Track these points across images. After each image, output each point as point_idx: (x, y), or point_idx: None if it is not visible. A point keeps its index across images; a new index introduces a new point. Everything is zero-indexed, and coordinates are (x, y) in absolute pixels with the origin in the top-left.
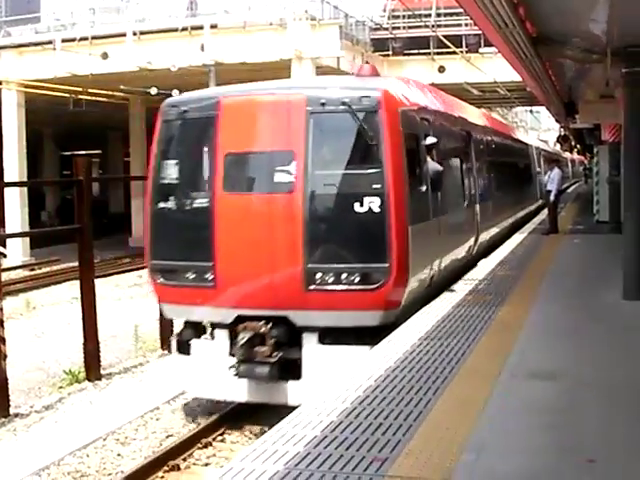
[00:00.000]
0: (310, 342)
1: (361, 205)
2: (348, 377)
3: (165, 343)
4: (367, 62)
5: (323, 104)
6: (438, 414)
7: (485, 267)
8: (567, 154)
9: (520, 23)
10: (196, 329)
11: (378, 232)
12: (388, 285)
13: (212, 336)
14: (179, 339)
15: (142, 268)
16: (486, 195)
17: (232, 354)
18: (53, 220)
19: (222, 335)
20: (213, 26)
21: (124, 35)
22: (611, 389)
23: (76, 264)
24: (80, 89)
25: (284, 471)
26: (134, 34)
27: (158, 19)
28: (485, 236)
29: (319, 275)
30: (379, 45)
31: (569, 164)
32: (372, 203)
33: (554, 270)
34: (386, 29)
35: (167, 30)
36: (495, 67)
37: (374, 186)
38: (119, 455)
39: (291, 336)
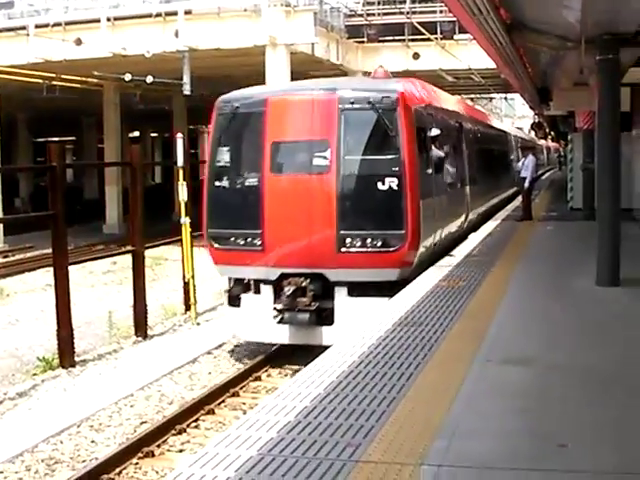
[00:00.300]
0: (341, 294)
1: (382, 184)
2: (322, 362)
3: (139, 329)
4: (381, 66)
5: (352, 102)
6: (412, 399)
7: (460, 252)
8: (542, 141)
9: (494, 10)
10: (243, 285)
11: (396, 206)
12: (404, 248)
13: (258, 291)
14: (230, 294)
15: (116, 254)
16: (474, 178)
17: (276, 306)
18: (27, 207)
19: (267, 290)
20: (187, 12)
21: (98, 21)
22: (583, 374)
23: (50, 251)
24: (54, 75)
25: (257, 457)
26: (108, 20)
27: (132, 5)
28: (474, 213)
29: (348, 240)
30: (354, 32)
31: (544, 151)
32: (391, 182)
33: (527, 257)
34: (361, 16)
35: (141, 16)
36: (470, 54)
37: (393, 169)
38: (93, 442)
39: (325, 289)
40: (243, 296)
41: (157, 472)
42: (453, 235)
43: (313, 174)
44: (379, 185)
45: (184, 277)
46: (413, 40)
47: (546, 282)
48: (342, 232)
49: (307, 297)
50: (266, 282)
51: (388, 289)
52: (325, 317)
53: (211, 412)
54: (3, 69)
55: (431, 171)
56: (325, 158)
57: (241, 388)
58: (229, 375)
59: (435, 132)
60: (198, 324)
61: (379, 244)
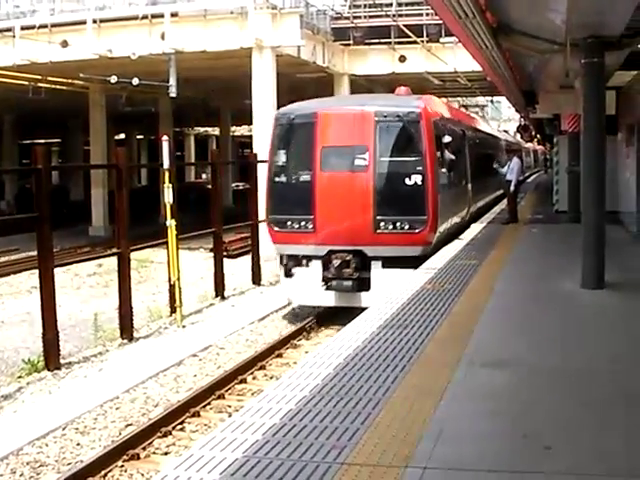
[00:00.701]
0: (376, 267)
1: (409, 180)
2: (307, 365)
3: (125, 332)
4: (403, 85)
5: (385, 116)
6: (397, 402)
7: (445, 255)
8: (529, 144)
9: (480, 13)
10: (295, 260)
11: (419, 197)
12: (425, 231)
13: (308, 265)
14: (285, 268)
15: (102, 257)
16: (474, 178)
17: (324, 276)
18: (12, 209)
19: (317, 264)
20: (174, 14)
21: (84, 23)
22: (567, 377)
23: (35, 253)
24: (39, 77)
25: (243, 459)
26: (94, 22)
27: (118, 7)
28: (474, 206)
29: (382, 224)
30: (340, 34)
31: (531, 154)
32: (416, 179)
33: (513, 259)
34: (347, 18)
35: (127, 18)
36: (456, 57)
37: (417, 168)
38: (78, 444)
39: (364, 263)
40: (297, 269)
41: (142, 475)
42: (459, 224)
43: (354, 172)
44: (406, 181)
45: (170, 280)
46: (399, 43)
47: (531, 285)
48: (377, 217)
49: (350, 269)
50: (316, 257)
51: (412, 262)
52: (364, 284)
53: (196, 414)
54: None
55: (445, 170)
56: (364, 159)
57: (226, 391)
58: (214, 377)
59: (447, 139)
60: (184, 327)
61: (406, 227)
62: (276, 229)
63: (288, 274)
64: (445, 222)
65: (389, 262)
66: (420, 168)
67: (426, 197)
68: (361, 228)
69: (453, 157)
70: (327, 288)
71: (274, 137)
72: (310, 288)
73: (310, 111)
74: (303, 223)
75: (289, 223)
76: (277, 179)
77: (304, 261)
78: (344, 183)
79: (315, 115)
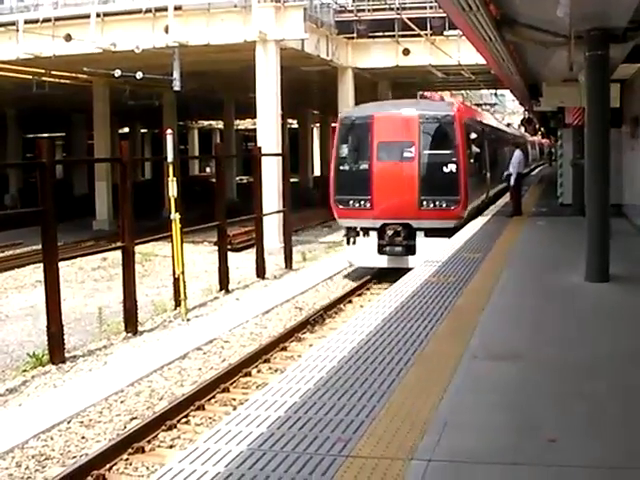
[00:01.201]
0: (420, 236)
1: (446, 168)
2: (312, 358)
3: (129, 325)
4: (437, 93)
5: (427, 118)
6: (401, 395)
7: (450, 247)
8: (536, 137)
9: (484, 5)
10: (354, 232)
11: (454, 181)
12: (458, 208)
13: (366, 235)
14: (347, 237)
15: (106, 251)
16: (491, 167)
17: (379, 244)
18: (16, 203)
19: (374, 234)
20: (177, 8)
21: (88, 17)
22: (571, 369)
23: (39, 247)
24: (43, 71)
25: (248, 452)
26: (98, 16)
27: (122, 1)
28: (492, 191)
29: (425, 202)
30: (344, 27)
31: (536, 147)
32: (451, 167)
33: (517, 252)
34: (351, 11)
35: (131, 12)
36: (460, 50)
37: (452, 159)
38: (83, 438)
39: (410, 233)
40: (358, 238)
41: (147, 468)
42: (480, 204)
43: (403, 162)
44: (443, 169)
45: (174, 273)
46: (403, 36)
47: (535, 278)
48: (421, 197)
49: (400, 237)
50: (373, 229)
51: (448, 233)
52: (410, 250)
53: (201, 408)
54: None
55: (472, 160)
56: (411, 152)
57: (231, 384)
58: (219, 371)
59: (473, 135)
60: (188, 320)
61: (444, 205)
62: (340, 207)
63: (349, 242)
64: (472, 202)
65: (430, 232)
66: (454, 159)
67: (459, 182)
68: (408, 206)
69: (477, 150)
70: (381, 253)
71: (339, 134)
72: (368, 253)
73: (368, 113)
74: (362, 202)
75: (351, 202)
76: (341, 167)
77: (362, 232)
78: (395, 171)
79: (372, 117)
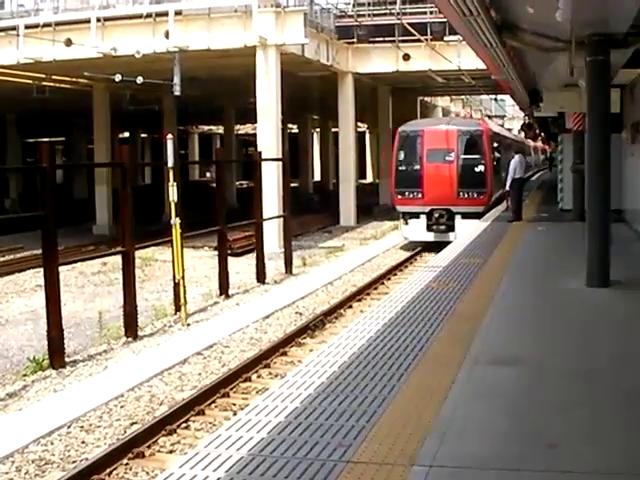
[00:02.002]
0: (458, 218)
1: (476, 168)
2: (312, 364)
3: (129, 330)
4: (467, 112)
5: (463, 132)
6: (402, 400)
7: (450, 252)
8: (539, 143)
9: (485, 11)
10: (409, 215)
11: (482, 179)
12: (485, 198)
13: (417, 218)
14: (403, 219)
15: (106, 255)
16: (506, 168)
17: (427, 224)
18: (16, 207)
19: (423, 217)
20: (177, 13)
21: (88, 22)
22: (571, 375)
23: (40, 251)
24: (43, 75)
25: (248, 457)
26: (98, 21)
27: (122, 6)
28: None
29: (461, 193)
30: (344, 33)
31: (538, 152)
32: (480, 168)
33: (518, 257)
34: (351, 17)
35: (131, 17)
36: (460, 55)
37: (481, 162)
38: (83, 442)
39: (450, 216)
40: (410, 220)
41: (147, 473)
42: (498, 196)
43: (446, 163)
44: (475, 169)
45: (174, 278)
46: (403, 41)
47: (536, 283)
48: (459, 189)
49: (443, 219)
50: (422, 213)
51: (478, 216)
52: (450, 228)
53: (201, 413)
54: None
55: (494, 164)
56: (451, 156)
57: (231, 389)
58: (219, 376)
59: (495, 145)
60: (188, 325)
61: (474, 195)
62: (399, 197)
63: (405, 223)
64: (494, 193)
65: (464, 215)
66: (482, 162)
67: (485, 179)
68: (449, 195)
69: (498, 155)
70: (429, 230)
71: (398, 144)
72: (419, 231)
73: (419, 128)
74: (415, 193)
75: (406, 193)
76: (400, 168)
77: (415, 216)
78: (440, 170)
79: (422, 131)
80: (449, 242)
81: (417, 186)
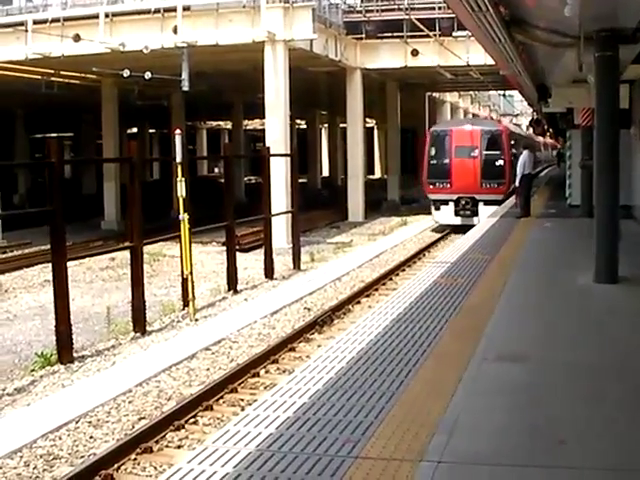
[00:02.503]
0: (481, 205)
1: (497, 163)
2: (320, 359)
3: (137, 325)
4: (489, 114)
5: (485, 131)
6: (410, 396)
7: (458, 248)
8: (549, 140)
9: (493, 6)
10: (440, 202)
11: (501, 171)
12: (504, 187)
13: (447, 204)
14: (434, 206)
15: (114, 251)
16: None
17: (455, 209)
18: (25, 203)
19: (452, 203)
20: (186, 8)
21: (96, 17)
22: (580, 371)
23: (48, 247)
24: (52, 71)
25: (256, 453)
26: (106, 16)
27: (130, 1)
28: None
29: (484, 183)
30: (352, 28)
31: (549, 148)
32: (500, 162)
33: (526, 253)
34: (359, 12)
35: (139, 12)
36: (468, 51)
37: (500, 157)
38: (91, 437)
39: (475, 203)
40: (441, 206)
41: (155, 468)
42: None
43: (471, 158)
44: (495, 163)
45: (182, 273)
46: (412, 37)
47: (544, 279)
48: (482, 180)
49: (469, 205)
50: (451, 200)
51: (498, 203)
52: (474, 214)
53: (209, 408)
54: (1, 65)
55: (512, 159)
56: (475, 152)
57: (239, 384)
58: (227, 371)
59: (512, 142)
60: (196, 320)
61: (495, 185)
62: (431, 187)
63: (437, 209)
64: (511, 185)
65: (487, 202)
66: (502, 157)
67: (504, 172)
68: (474, 185)
69: (514, 151)
70: (456, 215)
71: (430, 141)
72: (447, 216)
73: (448, 128)
74: (444, 183)
75: (437, 183)
76: (431, 162)
77: (444, 203)
78: (465, 164)
79: (451, 130)
80: (473, 225)
81: (446, 177)
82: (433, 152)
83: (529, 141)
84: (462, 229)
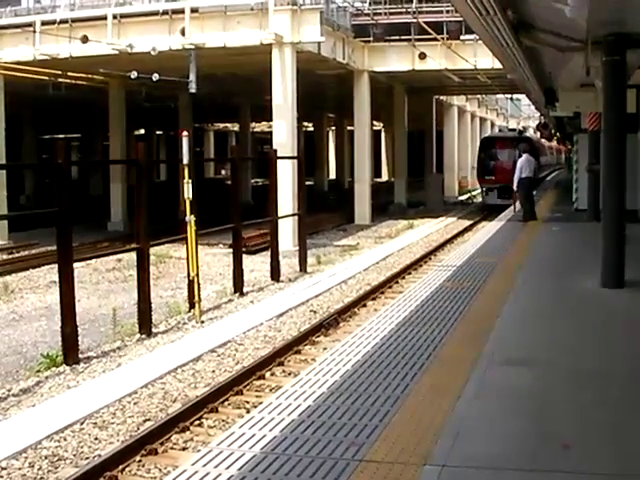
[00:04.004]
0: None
1: None
2: (326, 362)
3: (143, 327)
4: (519, 125)
5: (519, 139)
6: (415, 399)
7: (464, 252)
8: (562, 146)
9: (501, 10)
10: (488, 190)
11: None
12: None
13: (492, 191)
14: (485, 192)
15: (121, 252)
16: (541, 165)
17: (498, 194)
18: (32, 203)
19: (495, 191)
20: (194, 10)
21: (104, 18)
22: (586, 375)
23: (54, 248)
24: (60, 72)
25: (261, 455)
26: (114, 18)
27: (139, 3)
28: (540, 175)
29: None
30: (360, 31)
31: (561, 153)
32: None
33: (532, 257)
34: (367, 15)
35: (148, 14)
36: (476, 54)
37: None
38: (96, 439)
39: (511, 189)
40: (489, 193)
41: (160, 470)
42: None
43: (509, 160)
44: None
45: (189, 275)
46: (419, 40)
47: (550, 283)
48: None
49: (505, 192)
50: (495, 188)
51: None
52: (510, 197)
53: (215, 410)
54: (9, 66)
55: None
56: (513, 155)
57: (245, 387)
58: (233, 373)
59: (535, 146)
60: (202, 322)
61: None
62: (482, 178)
63: (487, 194)
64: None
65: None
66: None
67: None
68: (510, 178)
69: (536, 154)
70: (499, 198)
71: (480, 146)
72: (493, 198)
73: (494, 137)
74: (491, 176)
75: (486, 176)
76: (483, 162)
77: (490, 190)
78: (504, 163)
79: (496, 139)
80: (510, 205)
81: (492, 173)
82: (483, 155)
83: (527, 146)
84: (501, 208)
